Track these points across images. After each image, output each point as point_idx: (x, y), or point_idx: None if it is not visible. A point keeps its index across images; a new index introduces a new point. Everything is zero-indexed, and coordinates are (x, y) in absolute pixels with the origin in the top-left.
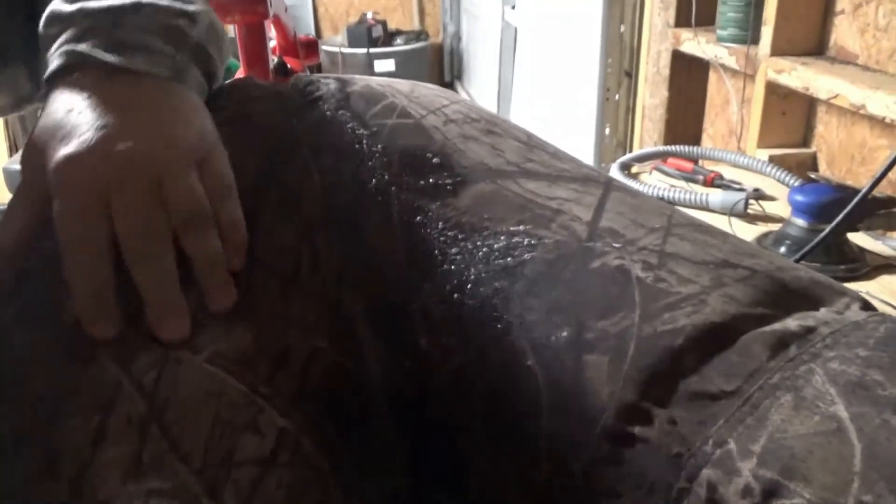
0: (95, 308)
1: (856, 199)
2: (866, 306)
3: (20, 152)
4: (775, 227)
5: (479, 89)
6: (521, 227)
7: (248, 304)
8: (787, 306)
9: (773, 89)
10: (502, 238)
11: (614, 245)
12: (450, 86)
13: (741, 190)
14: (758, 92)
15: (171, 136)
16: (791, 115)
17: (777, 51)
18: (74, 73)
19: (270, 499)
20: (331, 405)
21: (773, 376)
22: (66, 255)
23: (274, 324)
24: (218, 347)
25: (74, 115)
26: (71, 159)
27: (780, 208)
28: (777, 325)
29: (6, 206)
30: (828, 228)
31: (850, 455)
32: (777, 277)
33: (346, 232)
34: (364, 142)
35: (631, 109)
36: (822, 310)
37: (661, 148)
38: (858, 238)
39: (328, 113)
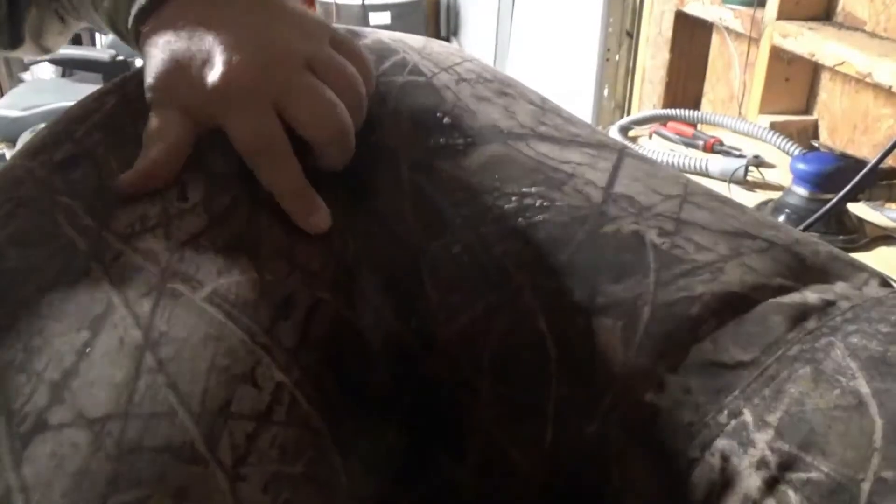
0: (306, 204)
1: (865, 170)
2: (884, 283)
3: (5, 97)
4: (775, 195)
5: (476, 46)
6: (534, 189)
7: (251, 237)
8: (806, 280)
9: (777, 54)
10: (514, 199)
11: (629, 210)
12: (445, 41)
13: (741, 157)
14: (762, 57)
15: (303, 28)
16: (794, 82)
17: (784, 14)
18: (163, 5)
19: (264, 457)
20: (330, 360)
21: (791, 348)
22: (260, 164)
23: (278, 263)
24: (218, 286)
25: (198, 40)
26: (232, 76)
27: (780, 176)
28: (796, 297)
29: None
30: (836, 198)
31: (870, 431)
32: (795, 251)
33: (353, 187)
34: (373, 100)
35: (631, 71)
36: (840, 284)
37: (662, 111)
38: (858, 209)
39: None
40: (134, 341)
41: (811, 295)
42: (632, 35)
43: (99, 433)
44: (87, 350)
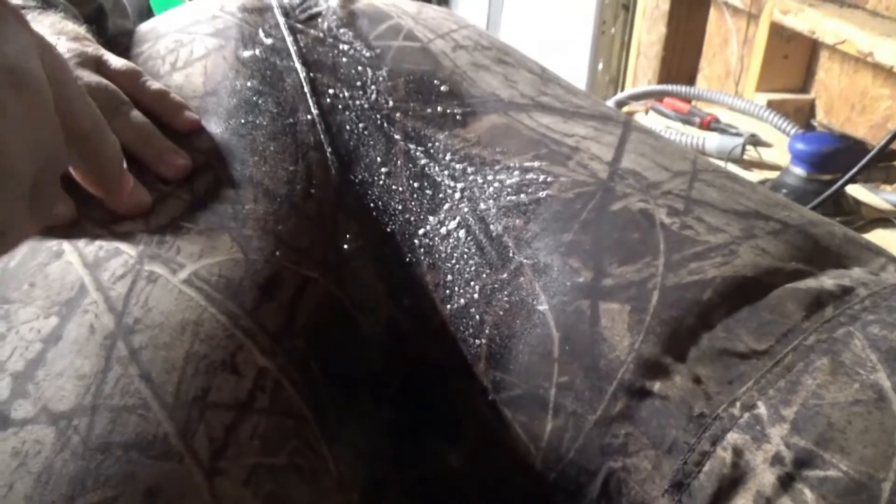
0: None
1: (874, 152)
2: None
3: None
4: (772, 174)
5: (468, 14)
6: (536, 164)
7: (234, 214)
8: (821, 263)
9: (776, 31)
10: (515, 173)
11: (636, 187)
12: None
13: (738, 135)
14: (761, 33)
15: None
16: (793, 60)
17: None
18: None
19: (244, 448)
20: (318, 342)
21: (808, 338)
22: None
23: (263, 240)
24: (199, 267)
25: None
26: None
27: (777, 156)
28: (812, 283)
29: None
30: (844, 179)
31: (892, 427)
32: (810, 232)
33: (345, 157)
34: (367, 64)
35: (626, 45)
36: (857, 269)
37: (660, 87)
38: (854, 190)
39: (328, 31)
40: (105, 328)
41: (827, 280)
42: (628, 8)
43: (65, 429)
44: (55, 336)
